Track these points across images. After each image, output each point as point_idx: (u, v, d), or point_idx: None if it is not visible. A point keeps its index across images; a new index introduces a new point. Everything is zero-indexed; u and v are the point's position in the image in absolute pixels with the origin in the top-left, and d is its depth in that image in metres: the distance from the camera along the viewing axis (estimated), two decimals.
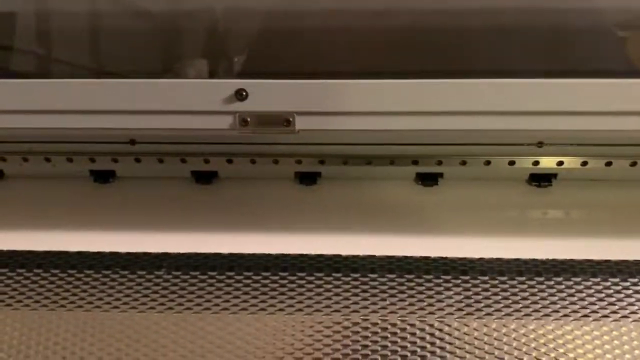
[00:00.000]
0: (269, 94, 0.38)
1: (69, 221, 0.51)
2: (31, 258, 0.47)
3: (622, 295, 0.44)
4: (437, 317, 0.44)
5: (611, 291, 0.44)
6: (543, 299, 0.44)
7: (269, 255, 0.47)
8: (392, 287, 0.45)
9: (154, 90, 0.38)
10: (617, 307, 0.44)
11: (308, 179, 0.53)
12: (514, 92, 0.39)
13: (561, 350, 0.42)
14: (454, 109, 0.39)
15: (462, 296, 0.44)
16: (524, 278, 0.45)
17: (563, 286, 0.44)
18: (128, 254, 0.47)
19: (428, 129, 0.39)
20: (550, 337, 0.42)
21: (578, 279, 0.45)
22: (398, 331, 0.43)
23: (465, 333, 0.43)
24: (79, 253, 0.47)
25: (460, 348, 0.42)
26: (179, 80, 0.38)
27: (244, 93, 0.37)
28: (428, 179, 0.52)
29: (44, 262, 0.47)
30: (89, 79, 0.40)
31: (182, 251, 0.47)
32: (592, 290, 0.44)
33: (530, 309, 0.44)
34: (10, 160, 0.52)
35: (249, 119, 0.38)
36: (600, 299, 0.44)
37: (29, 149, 0.51)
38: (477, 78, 0.39)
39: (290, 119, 0.38)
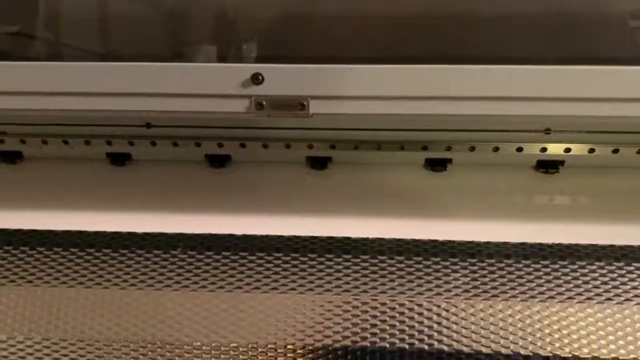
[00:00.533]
0: (285, 79, 0.39)
1: (87, 202, 0.52)
2: (51, 237, 0.49)
3: (626, 279, 0.45)
4: (445, 299, 0.45)
5: (615, 275, 0.45)
6: (548, 282, 0.45)
7: (281, 237, 0.48)
8: (400, 269, 0.46)
9: (172, 73, 0.40)
10: (620, 290, 0.45)
11: (319, 163, 0.54)
12: (523, 78, 0.40)
13: (565, 332, 0.43)
14: (465, 95, 0.40)
15: (469, 278, 0.46)
16: (529, 261, 0.46)
17: (568, 270, 0.45)
18: (145, 234, 0.48)
19: (438, 113, 0.40)
20: (555, 318, 0.44)
21: (582, 263, 0.46)
22: (406, 311, 0.45)
23: (471, 314, 0.44)
24: (97, 232, 0.49)
25: (466, 328, 0.44)
26: (197, 64, 0.39)
27: (260, 77, 0.38)
28: (437, 165, 0.52)
29: (63, 241, 0.48)
30: (107, 62, 0.41)
31: (196, 232, 0.49)
32: (597, 274, 0.45)
33: (536, 292, 0.45)
34: (29, 142, 0.53)
35: (264, 103, 0.39)
36: (604, 283, 0.45)
37: (48, 132, 0.52)
38: (487, 64, 0.40)
39: (305, 103, 0.39)
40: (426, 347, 0.43)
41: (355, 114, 0.39)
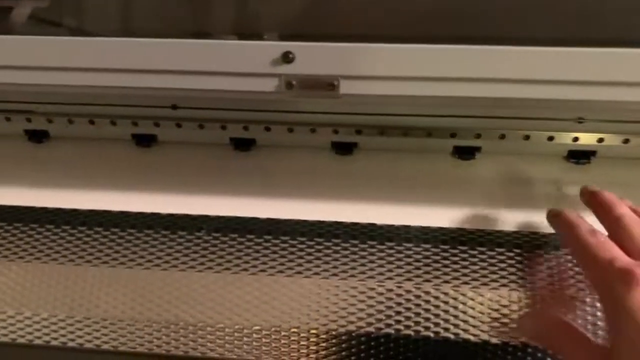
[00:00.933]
0: (316, 57, 0.38)
1: (112, 182, 0.52)
2: (76, 215, 0.49)
3: None
4: (471, 287, 0.44)
5: None
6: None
7: (305, 221, 0.48)
8: (427, 257, 0.45)
9: (200, 50, 0.39)
10: None
11: (344, 148, 0.53)
12: (555, 60, 0.39)
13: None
14: (496, 76, 0.39)
15: (496, 267, 0.45)
16: (560, 252, 0.45)
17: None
18: (169, 214, 0.48)
19: (471, 96, 0.39)
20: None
21: None
22: (431, 299, 0.44)
23: (500, 304, 0.43)
24: (122, 212, 0.49)
25: (494, 319, 0.43)
26: (226, 42, 0.39)
27: (291, 55, 0.38)
28: (466, 153, 0.51)
29: (88, 219, 0.48)
30: (133, 38, 0.40)
31: (221, 214, 0.49)
32: None
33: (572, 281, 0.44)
34: (56, 121, 0.53)
35: (294, 82, 0.39)
36: None
37: (74, 112, 0.52)
38: (518, 45, 0.39)
39: (335, 83, 0.38)
40: (452, 337, 0.43)
41: (386, 95, 0.38)
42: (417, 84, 0.38)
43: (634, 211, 0.41)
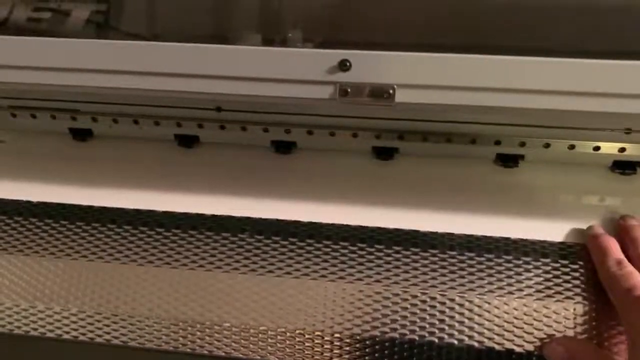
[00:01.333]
0: (372, 66, 0.38)
1: (155, 182, 0.53)
2: (121, 214, 0.49)
3: None
4: (516, 298, 0.44)
5: None
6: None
7: (348, 226, 0.48)
8: (471, 266, 0.45)
9: (258, 57, 0.39)
10: None
11: (385, 153, 0.53)
12: (602, 72, 0.39)
13: None
14: (548, 88, 0.38)
15: (542, 278, 0.44)
16: None
17: None
18: (213, 216, 0.49)
19: (520, 107, 0.38)
20: None
21: None
22: (475, 308, 0.44)
23: (544, 315, 0.43)
24: (166, 212, 0.49)
25: (538, 329, 0.43)
26: (282, 49, 0.39)
27: (348, 63, 0.38)
28: (509, 160, 0.51)
29: (133, 219, 0.49)
30: (193, 44, 0.41)
31: (263, 216, 0.49)
32: None
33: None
34: (101, 120, 0.54)
35: (349, 90, 0.39)
36: None
37: (119, 111, 0.53)
38: (567, 57, 0.39)
39: (391, 91, 0.38)
40: (496, 346, 0.43)
41: (441, 104, 0.38)
42: (473, 93, 0.38)
43: None
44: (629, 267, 0.42)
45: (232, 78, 0.42)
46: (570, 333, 0.43)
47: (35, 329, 0.46)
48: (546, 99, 0.39)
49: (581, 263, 0.45)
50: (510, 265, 0.45)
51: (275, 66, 0.39)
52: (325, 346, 0.44)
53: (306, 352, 0.44)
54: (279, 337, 0.44)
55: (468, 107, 0.38)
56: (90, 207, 0.50)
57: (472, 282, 0.45)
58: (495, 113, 0.43)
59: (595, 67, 0.40)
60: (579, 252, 0.46)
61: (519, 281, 0.44)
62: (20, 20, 0.50)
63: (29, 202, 0.51)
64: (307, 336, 0.44)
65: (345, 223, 0.48)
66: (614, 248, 0.44)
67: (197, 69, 0.42)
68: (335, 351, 0.43)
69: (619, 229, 0.47)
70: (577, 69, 0.40)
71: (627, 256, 0.44)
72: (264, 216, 0.49)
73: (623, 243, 0.45)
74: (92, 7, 0.47)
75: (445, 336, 0.43)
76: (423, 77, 0.38)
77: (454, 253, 0.46)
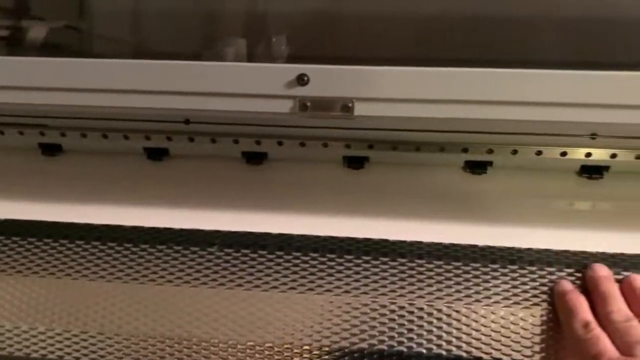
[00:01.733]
0: (330, 80, 0.38)
1: (124, 196, 0.53)
2: (90, 230, 0.49)
3: None
4: (483, 305, 0.44)
5: None
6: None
7: (318, 237, 0.48)
8: (439, 274, 0.45)
9: (216, 72, 0.39)
10: None
11: (356, 162, 0.53)
12: (567, 83, 0.39)
13: None
14: (512, 99, 0.39)
15: (509, 285, 0.45)
16: (571, 270, 0.45)
17: (611, 272, 0.44)
18: (182, 230, 0.48)
19: (483, 118, 0.39)
20: None
21: (627, 273, 0.45)
22: (443, 317, 0.44)
23: (511, 322, 0.43)
24: (135, 227, 0.49)
25: (505, 336, 0.43)
26: (242, 64, 0.39)
27: (306, 78, 0.38)
28: (477, 167, 0.51)
29: (102, 234, 0.49)
30: (150, 60, 0.41)
31: (233, 229, 0.49)
32: None
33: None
34: (69, 135, 0.53)
35: (308, 104, 0.39)
36: None
37: (87, 126, 0.53)
38: (532, 68, 0.39)
39: (350, 105, 0.39)
40: (464, 354, 0.43)
41: (400, 116, 0.38)
42: (431, 106, 0.38)
43: (632, 298, 0.42)
44: (596, 330, 0.40)
45: (196, 94, 0.42)
46: (537, 340, 0.43)
47: (2, 348, 0.46)
48: (505, 110, 0.39)
49: (549, 269, 0.45)
50: (477, 272, 0.45)
51: (237, 81, 0.39)
52: (295, 359, 0.44)
53: None
54: (248, 351, 0.44)
55: (427, 119, 0.38)
56: (58, 224, 0.50)
57: (440, 290, 0.45)
58: (460, 122, 0.43)
59: (560, 78, 0.41)
60: (547, 258, 0.46)
61: (486, 289, 0.44)
62: None
63: None
64: (276, 349, 0.44)
65: (315, 234, 0.48)
66: (582, 307, 0.42)
67: (163, 86, 0.42)
68: None
69: (588, 280, 0.44)
70: (540, 80, 0.41)
71: (594, 312, 0.42)
72: (235, 228, 0.49)
73: (591, 298, 0.43)
74: (52, 24, 0.47)
75: (414, 345, 0.43)
76: (381, 90, 0.38)
77: (422, 262, 0.46)
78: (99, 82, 0.43)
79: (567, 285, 0.44)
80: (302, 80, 0.38)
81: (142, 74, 0.40)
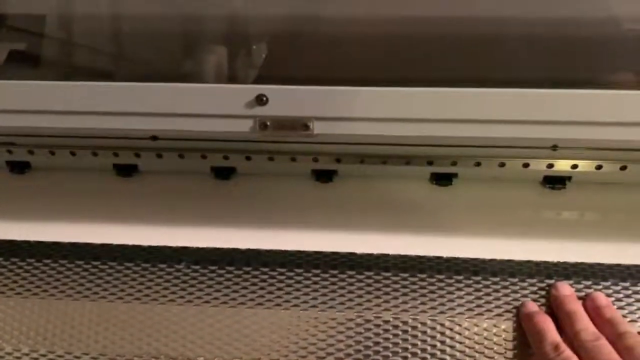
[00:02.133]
0: (289, 100, 0.39)
1: (93, 214, 0.53)
2: (57, 249, 0.49)
3: (632, 299, 0.45)
4: (448, 317, 0.45)
5: (621, 295, 0.45)
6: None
7: (285, 251, 0.48)
8: (405, 286, 0.46)
9: (178, 93, 0.40)
10: (626, 311, 0.44)
11: (324, 176, 0.54)
12: (528, 101, 0.40)
13: None
14: (468, 117, 0.40)
15: (473, 296, 0.45)
16: (534, 280, 0.46)
17: (573, 289, 0.45)
18: (150, 247, 0.49)
19: (443, 135, 0.39)
20: None
21: (588, 282, 0.46)
22: (409, 329, 0.45)
23: (475, 333, 0.44)
24: (103, 245, 0.49)
25: (470, 347, 0.44)
26: (201, 85, 0.39)
27: (265, 98, 0.39)
28: (443, 179, 0.52)
29: (70, 253, 0.49)
30: (114, 82, 0.41)
31: (201, 245, 0.49)
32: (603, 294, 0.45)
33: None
34: (37, 153, 0.53)
35: (268, 123, 0.39)
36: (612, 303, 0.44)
37: (56, 143, 0.53)
38: (490, 87, 0.40)
39: (309, 124, 0.39)
40: None
41: (359, 134, 0.39)
42: (390, 124, 0.39)
43: (597, 316, 0.42)
44: (567, 352, 0.40)
45: (162, 115, 0.42)
46: (501, 350, 0.44)
47: None
48: (463, 128, 0.40)
49: (512, 280, 0.46)
50: (442, 284, 0.46)
51: (195, 102, 0.39)
52: None
53: None
54: None
55: (384, 136, 0.39)
56: (25, 242, 0.49)
57: (405, 302, 0.45)
58: (423, 137, 0.44)
59: (521, 96, 0.42)
60: (510, 269, 0.47)
61: (450, 300, 0.45)
62: None
63: None
64: None
65: (283, 249, 0.49)
66: (549, 328, 0.42)
67: (130, 107, 0.43)
68: None
69: (552, 300, 0.44)
70: (497, 98, 0.42)
71: (562, 332, 0.42)
72: (204, 244, 0.49)
73: (558, 317, 0.43)
74: (10, 45, 0.47)
75: (380, 358, 0.44)
76: (340, 109, 0.38)
77: (388, 274, 0.46)
78: (64, 105, 0.44)
79: (532, 306, 0.44)
80: (261, 100, 0.38)
81: (103, 96, 0.41)
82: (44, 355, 0.46)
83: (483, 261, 0.47)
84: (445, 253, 0.48)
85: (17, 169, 0.56)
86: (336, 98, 0.38)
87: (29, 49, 0.49)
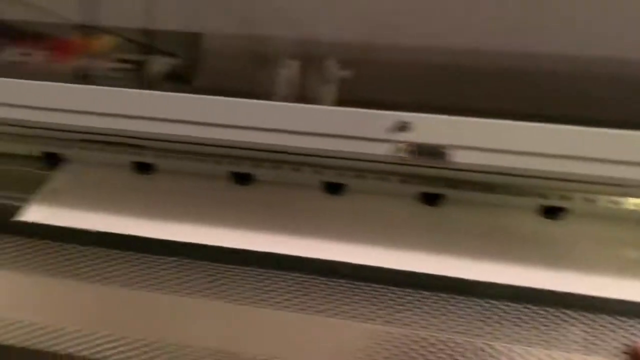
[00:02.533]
0: (430, 127, 0.41)
1: (208, 218, 0.56)
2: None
3: None
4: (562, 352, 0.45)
5: None
6: None
7: (398, 271, 0.50)
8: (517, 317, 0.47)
9: (327, 114, 0.42)
10: None
11: (432, 199, 0.55)
12: None
13: None
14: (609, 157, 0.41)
15: (586, 334, 0.46)
16: None
17: None
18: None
19: (581, 172, 0.40)
20: None
21: None
22: None
23: None
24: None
25: None
26: (350, 110, 0.42)
27: (407, 125, 0.41)
28: (551, 212, 0.53)
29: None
30: (257, 100, 0.44)
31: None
32: None
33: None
34: (163, 156, 0.57)
35: (409, 149, 0.42)
36: None
37: (181, 149, 0.57)
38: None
39: (448, 152, 0.41)
40: None
41: (498, 165, 0.40)
42: (529, 158, 0.40)
43: None
44: None
45: (307, 134, 0.45)
46: None
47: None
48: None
49: (624, 319, 0.46)
50: (554, 318, 0.46)
51: (339, 123, 0.42)
52: None
53: None
54: None
55: (521, 169, 0.40)
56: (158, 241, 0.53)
57: (518, 333, 0.46)
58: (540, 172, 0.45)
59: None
60: (624, 308, 0.47)
61: (563, 335, 0.45)
62: None
63: None
64: None
65: (393, 267, 0.50)
66: None
67: (267, 124, 0.46)
68: None
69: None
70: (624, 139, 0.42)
71: None
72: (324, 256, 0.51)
73: None
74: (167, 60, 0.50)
75: None
76: (479, 140, 0.40)
77: (496, 302, 0.47)
78: (202, 116, 0.47)
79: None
80: (403, 127, 0.41)
81: (257, 112, 0.44)
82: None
83: (594, 298, 0.47)
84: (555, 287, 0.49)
85: (143, 170, 0.59)
86: (476, 128, 0.40)
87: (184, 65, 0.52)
